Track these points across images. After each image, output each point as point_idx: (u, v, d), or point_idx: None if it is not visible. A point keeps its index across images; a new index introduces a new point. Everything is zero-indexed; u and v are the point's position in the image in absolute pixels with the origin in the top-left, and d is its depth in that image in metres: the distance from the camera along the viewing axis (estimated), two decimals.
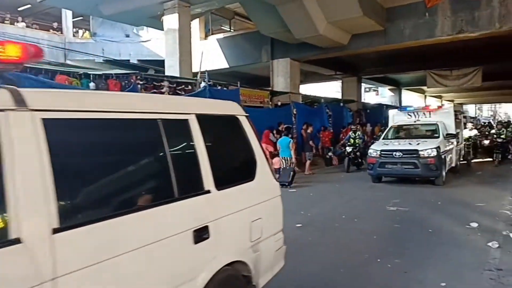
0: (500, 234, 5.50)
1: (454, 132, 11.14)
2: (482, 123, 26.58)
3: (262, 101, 15.30)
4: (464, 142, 14.01)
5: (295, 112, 15.74)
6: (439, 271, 4.26)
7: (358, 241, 5.54)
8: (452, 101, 41.79)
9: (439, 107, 12.48)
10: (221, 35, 19.09)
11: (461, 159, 13.11)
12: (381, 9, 13.80)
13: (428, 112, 11.67)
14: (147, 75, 10.98)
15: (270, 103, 15.78)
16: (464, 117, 25.00)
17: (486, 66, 19.58)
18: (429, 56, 18.06)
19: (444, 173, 9.84)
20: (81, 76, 9.04)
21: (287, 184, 10.21)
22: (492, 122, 31.13)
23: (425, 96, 34.97)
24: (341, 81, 23.86)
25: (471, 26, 12.87)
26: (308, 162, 13.11)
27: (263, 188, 3.04)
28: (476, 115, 49.72)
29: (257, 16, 14.47)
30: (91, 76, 9.32)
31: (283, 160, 10.94)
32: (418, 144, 9.93)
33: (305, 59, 17.16)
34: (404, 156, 9.71)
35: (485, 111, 61.36)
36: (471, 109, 55.55)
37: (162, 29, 13.24)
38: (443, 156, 9.76)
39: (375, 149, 10.31)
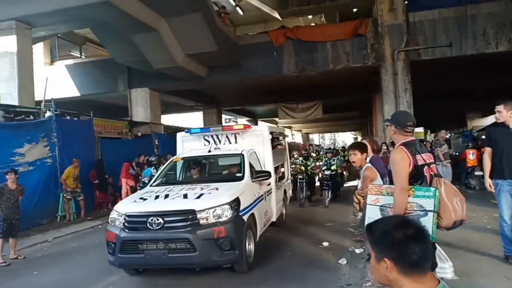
0: (347, 250, 6.14)
1: (271, 167, 7.27)
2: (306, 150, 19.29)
3: (120, 131, 14.47)
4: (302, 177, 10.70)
5: (157, 143, 15.31)
6: None
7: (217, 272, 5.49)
8: (300, 131, 46.76)
9: (247, 126, 7.65)
10: (70, 61, 17.55)
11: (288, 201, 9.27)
12: (235, 46, 14.64)
13: (233, 135, 7.43)
14: None
15: (129, 134, 15.00)
16: (310, 145, 27.91)
17: (325, 100, 22.65)
18: (279, 91, 20.04)
19: (252, 247, 5.51)
20: None
21: None
22: (317, 148, 27.76)
23: (278, 126, 38.19)
24: (202, 112, 24.34)
25: (311, 65, 14.71)
26: None
27: None
28: (320, 143, 56.47)
29: (110, 44, 13.65)
30: None
31: None
32: (200, 196, 5.24)
33: (165, 89, 16.95)
34: (167, 225, 4.84)
35: (327, 140, 70.39)
36: (316, 138, 63.11)
37: None
38: (246, 217, 5.34)
39: (118, 212, 5.22)
